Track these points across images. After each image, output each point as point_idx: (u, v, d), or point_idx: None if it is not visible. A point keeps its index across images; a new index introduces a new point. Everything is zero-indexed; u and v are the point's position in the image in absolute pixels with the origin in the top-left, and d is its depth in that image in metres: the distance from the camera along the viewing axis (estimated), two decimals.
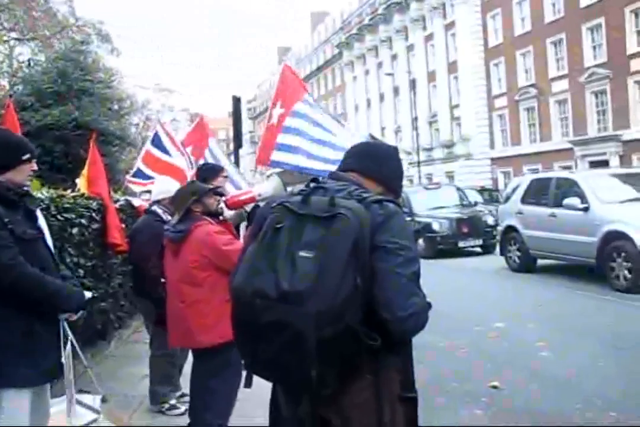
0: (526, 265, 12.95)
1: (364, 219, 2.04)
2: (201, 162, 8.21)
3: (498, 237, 14.43)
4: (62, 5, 34.91)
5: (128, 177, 8.89)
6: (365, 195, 2.17)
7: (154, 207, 5.18)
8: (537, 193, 13.01)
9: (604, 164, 29.94)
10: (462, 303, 9.97)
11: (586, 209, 10.90)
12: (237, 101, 10.56)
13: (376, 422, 2.12)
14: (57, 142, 17.73)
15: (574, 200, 11.18)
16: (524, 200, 13.15)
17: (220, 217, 4.20)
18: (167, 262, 4.09)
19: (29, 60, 31.59)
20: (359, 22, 59.58)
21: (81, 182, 6.88)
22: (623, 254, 10.02)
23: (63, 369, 3.18)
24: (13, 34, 33.06)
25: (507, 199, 14.13)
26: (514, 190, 13.92)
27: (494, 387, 5.48)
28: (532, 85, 38.37)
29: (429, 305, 2.26)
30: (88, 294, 3.35)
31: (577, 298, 9.87)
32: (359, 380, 2.09)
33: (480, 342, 7.27)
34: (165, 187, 5.20)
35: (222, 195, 4.33)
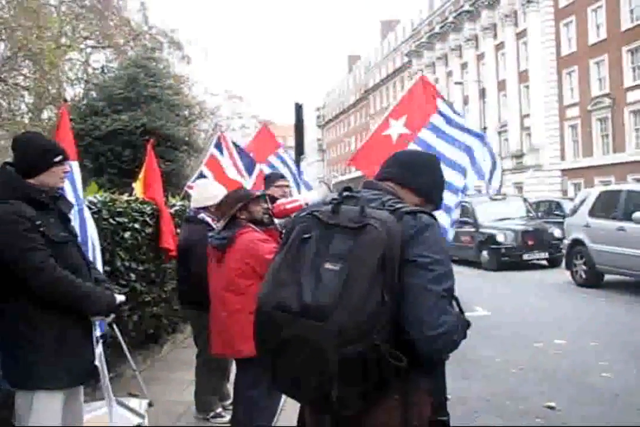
0: (592, 280, 12.54)
1: (395, 230, 1.94)
2: (264, 169, 8.20)
3: (564, 251, 13.89)
4: (136, 13, 35.76)
5: (189, 182, 8.94)
6: (398, 205, 2.06)
7: (202, 215, 5.07)
8: (606, 206, 12.58)
9: None
10: (523, 318, 9.71)
11: None
12: (299, 108, 10.55)
13: None
14: (125, 147, 18.14)
15: None
16: (592, 213, 12.74)
17: (273, 224, 4.15)
18: (210, 269, 4.04)
19: (102, 67, 32.48)
20: (429, 31, 59.17)
21: (137, 187, 6.94)
22: None
23: (98, 372, 3.17)
24: (89, 42, 34.01)
25: (575, 211, 13.66)
26: (582, 202, 13.48)
27: (550, 407, 5.26)
28: (606, 95, 37.30)
29: (468, 323, 2.14)
30: (120, 298, 3.33)
31: None
32: (385, 401, 1.98)
33: (539, 359, 7.02)
34: (211, 193, 5.01)
35: (273, 201, 4.28)
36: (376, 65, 78.92)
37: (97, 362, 3.15)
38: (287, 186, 5.94)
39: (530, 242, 16.87)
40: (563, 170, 41.31)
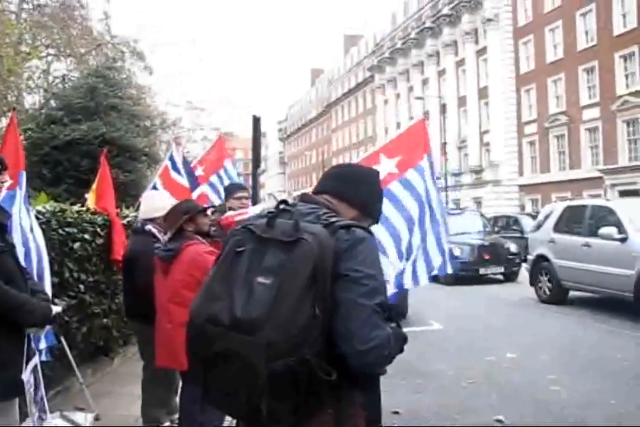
0: (557, 296, 12.31)
1: (327, 244, 1.93)
2: (213, 180, 8.18)
3: (526, 266, 13.70)
4: (98, 23, 35.46)
5: (145, 193, 8.86)
6: (333, 219, 2.06)
7: (149, 227, 4.99)
8: (571, 221, 12.42)
9: (634, 193, 29.47)
10: (477, 332, 9.77)
11: (624, 240, 10.26)
12: (257, 121, 10.55)
13: None
14: (83, 157, 17.89)
15: (611, 230, 10.54)
16: (556, 229, 12.54)
17: (220, 237, 4.12)
18: (156, 281, 4.00)
19: (63, 76, 32.16)
20: (391, 46, 59.82)
21: (90, 197, 6.86)
22: None
23: (22, 388, 3.06)
24: (50, 50, 33.67)
25: (539, 226, 13.43)
26: (546, 217, 13.27)
27: (498, 420, 5.29)
28: (562, 113, 38.09)
29: (404, 337, 2.14)
30: (56, 309, 3.25)
31: (602, 333, 9.31)
32: (319, 415, 1.97)
33: (490, 372, 7.07)
34: (159, 204, 4.86)
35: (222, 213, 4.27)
36: (339, 79, 79.44)
37: (24, 376, 3.05)
38: (247, 197, 5.93)
39: (486, 257, 16.97)
40: (521, 185, 41.96)
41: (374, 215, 2.39)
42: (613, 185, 33.15)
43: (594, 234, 11.07)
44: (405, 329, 7.64)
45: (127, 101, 22.15)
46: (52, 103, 23.39)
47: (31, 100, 32.52)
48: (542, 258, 12.73)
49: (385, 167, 4.88)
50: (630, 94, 32.72)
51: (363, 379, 2.06)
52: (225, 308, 1.91)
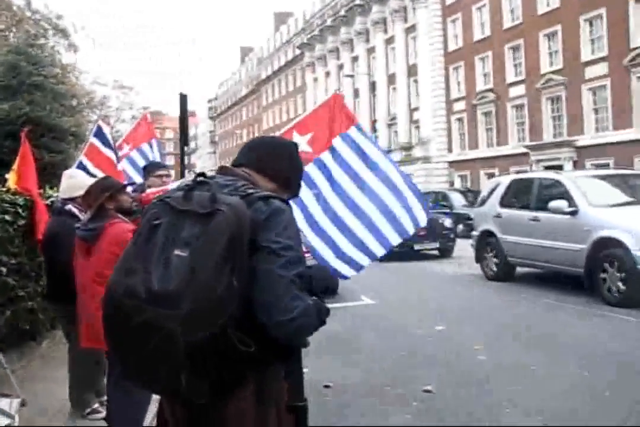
0: (503, 273, 11.94)
1: (244, 215, 1.94)
2: (135, 156, 8.08)
3: (472, 242, 13.19)
4: None
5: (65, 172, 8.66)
6: (250, 191, 2.06)
7: (69, 206, 4.88)
8: (518, 195, 12.05)
9: (558, 168, 30.31)
10: (407, 306, 9.97)
11: (574, 213, 9.88)
12: (183, 98, 10.42)
13: None
14: (6, 138, 17.34)
15: (560, 203, 10.12)
16: (503, 203, 12.10)
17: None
18: (77, 262, 3.93)
19: None
20: (321, 24, 59.59)
21: (11, 177, 6.66)
22: (616, 264, 8.94)
23: None
24: None
25: (484, 201, 12.97)
26: (491, 192, 12.79)
27: (427, 391, 5.42)
28: (490, 90, 38.74)
29: (327, 310, 2.15)
30: None
31: (539, 306, 9.35)
32: (240, 389, 1.99)
33: (419, 345, 7.22)
34: (79, 183, 4.69)
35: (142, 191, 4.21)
36: (269, 57, 78.81)
37: None
38: (168, 175, 5.85)
39: (421, 233, 16.65)
40: (450, 162, 42.63)
41: (293, 188, 2.40)
42: (538, 160, 34.01)
43: (542, 208, 10.72)
44: (336, 305, 7.84)
45: (51, 79, 21.52)
46: None
47: None
48: (487, 234, 12.37)
49: (296, 141, 4.85)
50: (554, 72, 33.49)
51: (284, 351, 2.07)
52: (141, 281, 1.89)
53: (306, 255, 7.00)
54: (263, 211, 2.00)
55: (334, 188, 4.78)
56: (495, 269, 12.15)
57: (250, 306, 1.91)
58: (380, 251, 4.83)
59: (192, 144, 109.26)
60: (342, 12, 54.84)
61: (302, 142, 4.94)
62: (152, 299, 1.85)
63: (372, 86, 48.65)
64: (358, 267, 4.77)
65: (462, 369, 6.15)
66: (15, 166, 6.58)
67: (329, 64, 59.36)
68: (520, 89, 36.26)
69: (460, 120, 42.20)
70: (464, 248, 15.98)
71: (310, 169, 4.78)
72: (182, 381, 1.83)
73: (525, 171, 32.60)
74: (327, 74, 60.01)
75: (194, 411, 2.00)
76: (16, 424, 4.22)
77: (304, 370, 6.15)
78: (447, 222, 17.64)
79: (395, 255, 16.02)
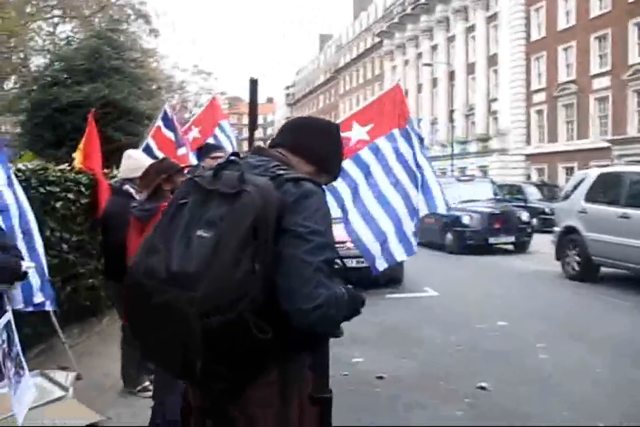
0: (586, 273, 11.12)
1: (271, 197, 1.84)
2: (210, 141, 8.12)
3: (552, 238, 12.35)
4: None
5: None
6: (280, 172, 1.96)
7: (126, 187, 4.93)
8: (606, 190, 11.16)
9: None
10: (472, 300, 9.73)
11: None
12: (253, 83, 10.37)
13: (282, 422, 1.94)
14: (85, 120, 17.79)
15: None
16: (588, 198, 11.23)
17: None
18: (130, 241, 3.93)
19: (67, 38, 31.81)
20: (401, 11, 58.90)
21: (77, 157, 6.78)
22: None
23: None
24: (56, 12, 33.30)
25: (567, 196, 12.18)
26: (575, 186, 11.96)
27: (482, 388, 5.27)
28: (572, 82, 37.56)
29: (360, 300, 2.05)
30: (27, 264, 3.20)
31: (615, 308, 8.79)
32: (263, 375, 1.91)
33: (479, 340, 7.05)
34: (139, 164, 4.78)
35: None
36: (347, 44, 78.49)
37: None
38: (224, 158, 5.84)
39: (496, 226, 16.34)
40: (527, 155, 41.62)
41: (332, 171, 2.28)
42: (621, 156, 32.77)
43: (633, 204, 10.02)
44: (398, 295, 7.72)
45: (130, 64, 21.93)
46: (56, 65, 23.20)
47: (37, 63, 32.29)
48: (571, 230, 11.51)
49: (356, 133, 4.82)
50: None
51: (309, 340, 1.98)
52: (162, 261, 1.84)
53: (349, 245, 6.95)
54: (292, 193, 1.89)
55: (378, 178, 4.72)
56: (576, 268, 11.38)
57: (275, 293, 1.83)
58: (401, 256, 4.81)
59: (269, 130, 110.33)
60: (423, 0, 54.08)
61: (362, 133, 4.89)
62: (171, 279, 1.80)
63: (451, 75, 47.88)
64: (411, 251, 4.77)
65: (522, 366, 5.96)
66: (81, 146, 6.70)
67: (408, 52, 58.70)
68: (604, 81, 35.00)
69: (539, 112, 41.08)
70: (540, 243, 15.55)
71: (364, 153, 4.73)
72: (197, 366, 1.77)
73: (607, 165, 31.69)
74: (406, 62, 59.38)
75: (214, 396, 1.94)
76: (70, 397, 4.27)
77: (359, 360, 6.11)
78: (524, 215, 16.84)
79: (468, 248, 15.90)
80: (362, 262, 10.40)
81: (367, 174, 4.75)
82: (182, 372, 1.90)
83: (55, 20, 33.93)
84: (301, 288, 1.81)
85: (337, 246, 7.04)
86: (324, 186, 2.10)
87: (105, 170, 7.08)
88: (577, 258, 11.36)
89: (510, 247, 16.83)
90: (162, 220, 1.97)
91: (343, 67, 78.48)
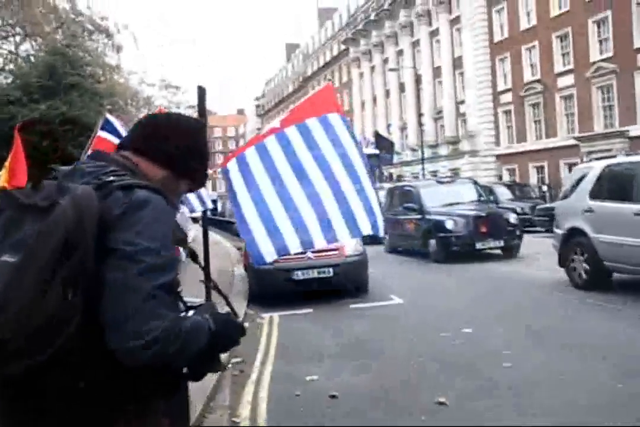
0: (597, 280, 9.61)
1: (87, 208, 1.50)
2: None
3: (555, 243, 10.79)
4: (63, 1, 34.38)
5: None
6: (111, 178, 1.62)
7: None
8: (615, 185, 9.70)
9: None
10: (439, 307, 9.41)
11: None
12: (202, 91, 10.08)
13: None
14: (44, 137, 17.35)
15: None
16: (594, 195, 9.78)
17: None
18: None
19: (27, 56, 31.29)
20: (365, 18, 58.99)
21: (3, 175, 6.40)
22: None
23: None
24: (19, 30, 32.75)
25: (567, 194, 10.80)
26: (577, 182, 10.44)
27: (440, 403, 4.93)
28: (537, 81, 37.68)
29: (237, 328, 1.72)
30: None
31: (605, 315, 7.96)
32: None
33: (441, 349, 6.72)
34: None
35: None
36: (314, 53, 78.49)
37: None
38: None
39: (483, 229, 14.79)
40: (498, 155, 41.66)
41: (193, 175, 1.92)
42: (589, 153, 32.82)
43: None
44: (363, 305, 7.28)
45: (88, 79, 21.54)
46: (11, 83, 22.77)
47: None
48: (576, 232, 10.03)
49: (272, 125, 4.57)
50: (604, 60, 32.31)
51: (162, 383, 1.63)
52: None
53: (309, 255, 6.69)
54: (120, 204, 1.56)
55: (293, 166, 4.43)
56: (585, 276, 9.82)
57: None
58: (320, 242, 4.49)
59: (240, 142, 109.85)
60: (386, 6, 54.16)
61: (275, 122, 4.64)
62: None
63: (418, 80, 47.88)
64: (283, 250, 4.50)
65: (484, 377, 5.63)
66: (7, 163, 6.31)
67: (374, 58, 58.75)
68: (569, 79, 35.14)
69: (507, 112, 41.16)
70: (526, 246, 15.04)
71: (269, 140, 4.45)
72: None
73: (575, 164, 31.68)
74: (373, 68, 59.41)
75: None
76: None
77: (314, 377, 5.75)
78: (512, 217, 15.50)
79: (453, 255, 14.55)
80: (324, 273, 10.24)
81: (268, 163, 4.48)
82: None
83: (17, 39, 33.36)
84: (129, 322, 1.46)
85: (295, 256, 6.72)
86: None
87: None
88: (585, 264, 9.81)
89: (499, 252, 15.23)
90: None
91: (311, 76, 78.44)
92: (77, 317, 1.45)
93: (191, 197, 7.58)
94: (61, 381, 1.46)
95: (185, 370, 1.68)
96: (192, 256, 1.97)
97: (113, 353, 1.47)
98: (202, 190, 7.56)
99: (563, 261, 10.44)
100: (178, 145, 1.85)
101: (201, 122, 2.04)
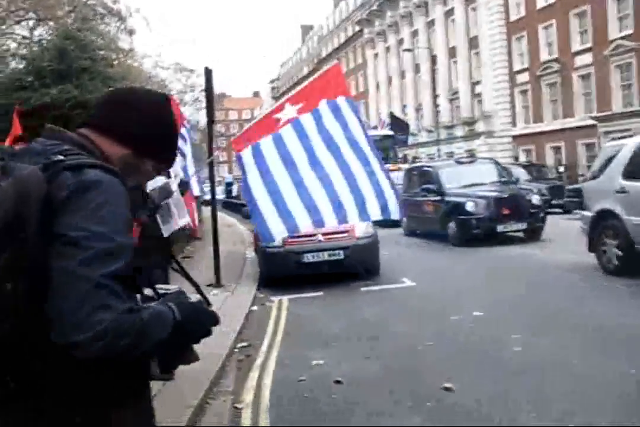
0: (629, 266, 8.94)
1: (29, 190, 1.39)
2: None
3: (583, 226, 10.07)
4: None
5: None
6: (60, 157, 1.48)
7: None
8: None
9: None
10: (451, 290, 9.27)
11: None
12: (208, 73, 10.00)
13: None
14: (56, 122, 17.26)
15: None
16: (628, 174, 9.03)
17: None
18: None
19: (39, 40, 31.21)
20: None
21: None
22: None
23: None
24: (31, 14, 32.68)
25: (596, 175, 10.09)
26: (607, 161, 9.75)
27: (447, 388, 4.81)
28: (555, 60, 37.10)
29: (209, 317, 1.61)
30: None
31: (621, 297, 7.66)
32: None
33: (451, 333, 6.59)
34: None
35: None
36: (329, 34, 77.84)
37: None
38: None
39: (505, 211, 14.16)
40: (514, 136, 41.21)
41: (157, 153, 1.76)
42: (607, 133, 32.35)
43: None
44: (374, 288, 7.21)
45: (100, 63, 21.44)
46: (21, 67, 22.72)
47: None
48: (607, 214, 9.40)
49: (286, 114, 4.59)
50: (624, 37, 31.71)
51: (126, 378, 1.52)
52: None
53: (320, 238, 7.04)
54: (67, 185, 1.43)
55: (307, 151, 4.56)
56: (616, 261, 9.18)
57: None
58: (331, 221, 4.69)
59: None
60: None
61: (292, 111, 4.64)
62: None
63: (433, 60, 47.37)
64: (294, 228, 4.78)
65: (493, 361, 5.52)
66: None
67: (389, 39, 58.13)
68: (587, 58, 34.56)
69: (523, 92, 40.62)
70: (550, 230, 14.50)
71: (286, 130, 4.54)
72: None
73: (593, 144, 31.25)
74: (387, 49, 58.80)
75: None
76: None
77: (319, 362, 5.67)
78: (535, 198, 14.87)
79: (474, 239, 13.94)
80: (335, 255, 10.12)
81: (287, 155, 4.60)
82: None
83: (30, 24, 33.32)
84: (74, 313, 1.35)
85: (305, 239, 6.95)
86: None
87: None
88: (617, 249, 9.17)
89: (521, 235, 14.52)
90: None
91: (326, 57, 77.81)
92: (18, 308, 1.35)
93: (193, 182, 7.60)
94: (2, 376, 1.36)
95: (154, 362, 1.58)
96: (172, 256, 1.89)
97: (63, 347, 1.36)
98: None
99: (592, 245, 9.80)
100: (139, 121, 1.69)
101: (166, 95, 1.89)
